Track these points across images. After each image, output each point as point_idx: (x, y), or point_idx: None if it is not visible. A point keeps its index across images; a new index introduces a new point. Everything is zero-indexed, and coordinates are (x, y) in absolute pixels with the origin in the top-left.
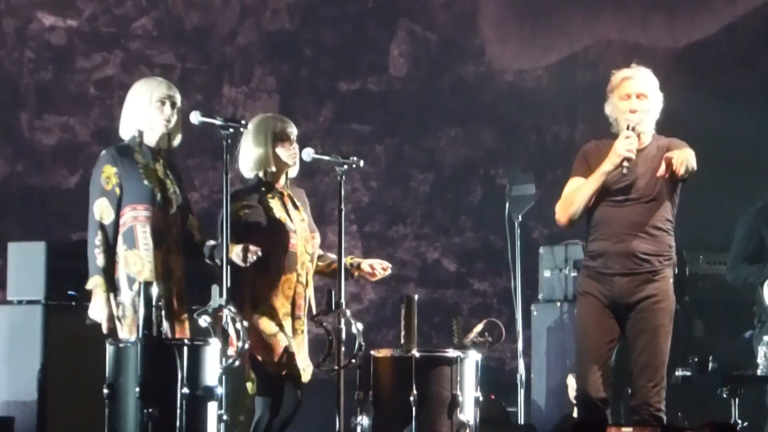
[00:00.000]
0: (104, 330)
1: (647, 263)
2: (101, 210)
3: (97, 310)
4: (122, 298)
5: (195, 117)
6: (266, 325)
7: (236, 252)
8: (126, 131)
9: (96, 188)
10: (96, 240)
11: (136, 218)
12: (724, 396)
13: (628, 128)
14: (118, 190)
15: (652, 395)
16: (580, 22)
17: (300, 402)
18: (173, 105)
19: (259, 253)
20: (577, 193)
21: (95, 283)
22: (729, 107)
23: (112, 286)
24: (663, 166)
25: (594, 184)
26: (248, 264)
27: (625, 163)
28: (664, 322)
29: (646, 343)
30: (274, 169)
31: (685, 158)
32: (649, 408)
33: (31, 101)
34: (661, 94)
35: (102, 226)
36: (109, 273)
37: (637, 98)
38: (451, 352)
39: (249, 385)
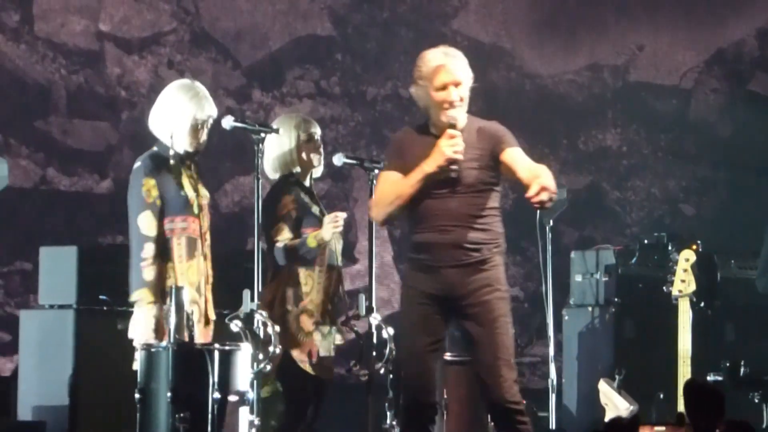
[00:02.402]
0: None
1: (477, 252)
2: (147, 223)
3: (139, 327)
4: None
5: (227, 122)
6: (305, 322)
7: (327, 220)
8: (157, 130)
9: (138, 201)
10: (142, 254)
11: (173, 230)
12: (756, 401)
13: (450, 126)
14: (159, 202)
15: (503, 389)
16: (611, 26)
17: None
18: (206, 128)
19: (345, 214)
20: (394, 193)
21: (140, 296)
22: (760, 112)
23: (161, 299)
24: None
25: (416, 186)
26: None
27: (453, 166)
28: (501, 313)
29: (489, 340)
30: (298, 169)
31: (548, 185)
32: (509, 404)
33: (62, 106)
34: (471, 73)
35: (149, 239)
36: (157, 286)
37: (455, 87)
38: None
39: (265, 388)
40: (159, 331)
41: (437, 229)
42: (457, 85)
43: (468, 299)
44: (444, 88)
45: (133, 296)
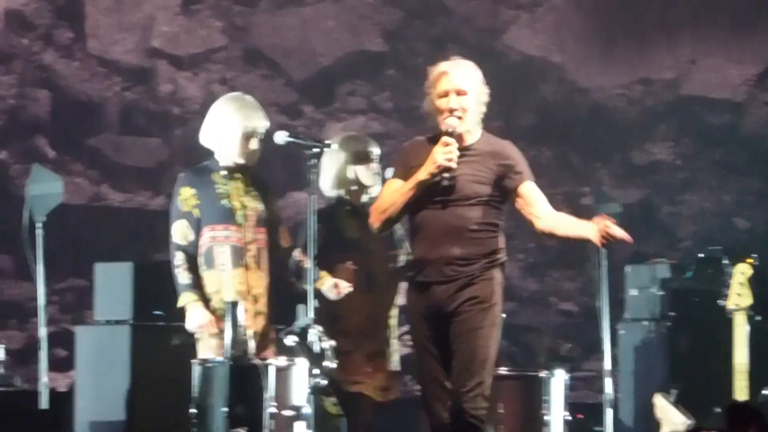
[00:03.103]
0: (207, 336)
1: (466, 268)
2: (179, 232)
3: (194, 320)
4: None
5: (280, 137)
6: (341, 343)
7: (328, 287)
8: (207, 143)
9: (174, 210)
10: (176, 261)
11: (215, 238)
12: None
13: (447, 134)
14: (196, 212)
15: (466, 400)
16: (662, 40)
17: (371, 422)
18: (257, 138)
19: (350, 289)
20: (389, 200)
21: (186, 299)
22: None
23: (203, 299)
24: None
25: (409, 194)
26: (338, 298)
27: (446, 174)
28: (482, 324)
29: (462, 347)
30: (355, 188)
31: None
32: (463, 414)
33: (114, 123)
34: (485, 87)
35: (181, 248)
36: (198, 287)
37: (456, 95)
38: (538, 372)
39: (327, 404)
40: (211, 324)
41: (428, 243)
42: (459, 93)
43: (454, 314)
44: (445, 95)
45: (180, 302)
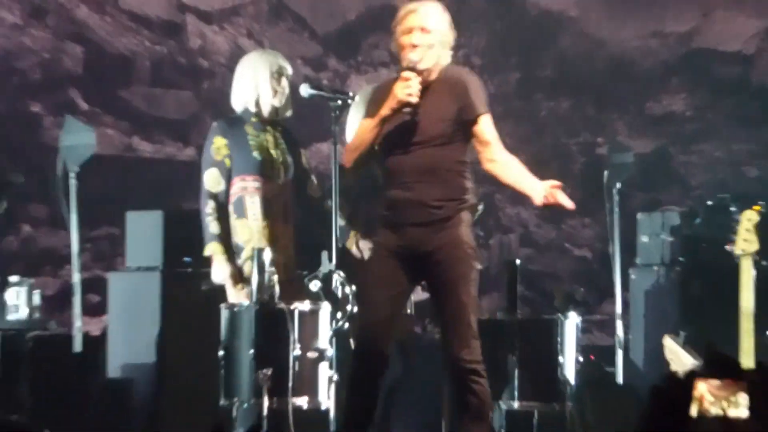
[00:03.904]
0: (231, 287)
1: (440, 210)
2: (211, 180)
3: (219, 273)
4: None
5: (304, 89)
6: None
7: (363, 247)
8: (237, 103)
9: (207, 159)
10: (207, 209)
11: (245, 189)
12: None
13: (408, 69)
14: (228, 161)
15: (461, 346)
16: None
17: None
18: (284, 77)
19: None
20: (359, 139)
21: (212, 249)
22: None
23: (229, 251)
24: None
25: (374, 131)
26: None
27: (406, 109)
28: (463, 272)
29: (448, 297)
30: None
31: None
32: (461, 362)
33: (145, 76)
34: (452, 29)
35: (212, 195)
36: (225, 238)
37: (420, 32)
38: (553, 316)
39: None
40: (235, 277)
41: (401, 185)
42: (423, 30)
43: (431, 257)
44: (409, 31)
45: (206, 251)
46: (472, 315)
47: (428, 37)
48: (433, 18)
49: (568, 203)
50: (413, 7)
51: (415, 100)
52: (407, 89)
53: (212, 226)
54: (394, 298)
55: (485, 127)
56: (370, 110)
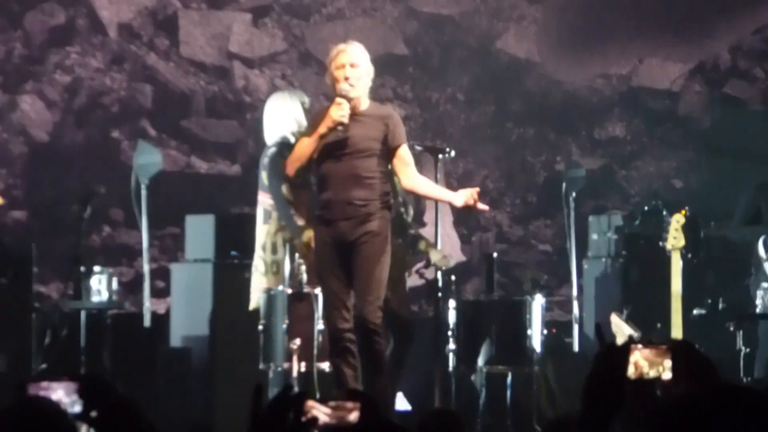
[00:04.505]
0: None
1: (363, 208)
2: (287, 192)
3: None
4: (278, 256)
5: None
6: None
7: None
8: (275, 133)
9: (279, 175)
10: (291, 211)
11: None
12: (731, 329)
13: (341, 96)
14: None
15: (367, 311)
16: (617, 44)
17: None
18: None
19: None
20: (300, 152)
21: (309, 235)
22: (733, 108)
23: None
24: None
25: (313, 145)
26: None
27: (339, 128)
28: (377, 254)
29: (363, 272)
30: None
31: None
32: (366, 322)
33: (201, 109)
34: (371, 65)
35: (291, 203)
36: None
37: (350, 67)
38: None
39: None
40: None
41: (333, 188)
42: (352, 65)
43: (354, 244)
44: (342, 67)
45: (305, 237)
46: (380, 291)
47: (356, 71)
48: (359, 55)
49: (484, 207)
50: (343, 48)
51: (346, 120)
52: (341, 112)
53: (299, 221)
54: (343, 282)
55: (405, 153)
56: (308, 130)
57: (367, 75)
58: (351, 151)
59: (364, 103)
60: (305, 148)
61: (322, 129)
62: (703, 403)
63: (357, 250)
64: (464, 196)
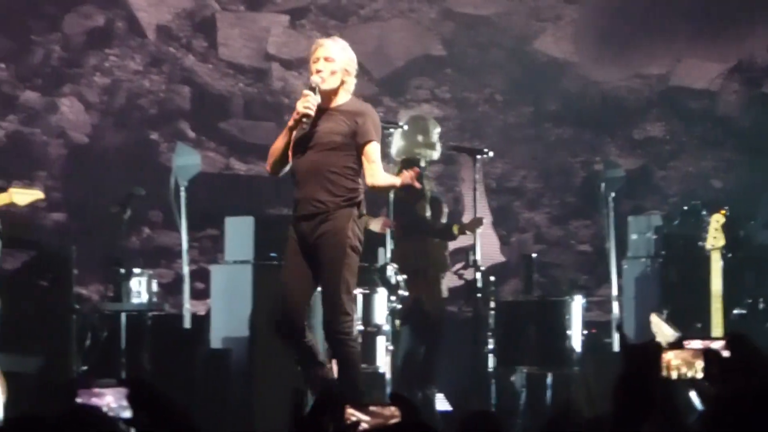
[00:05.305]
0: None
1: (323, 205)
2: None
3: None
4: None
5: None
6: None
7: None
8: None
9: None
10: None
11: None
12: None
13: (310, 88)
14: None
15: (332, 318)
16: (655, 44)
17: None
18: None
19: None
20: (273, 146)
21: (364, 220)
22: None
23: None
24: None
25: (282, 139)
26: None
27: (305, 119)
28: (336, 255)
29: (325, 278)
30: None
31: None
32: (333, 333)
33: (239, 111)
34: (352, 61)
35: None
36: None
37: (324, 60)
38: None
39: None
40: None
41: (298, 184)
42: (327, 59)
43: (315, 244)
44: (317, 60)
45: (372, 225)
46: (343, 294)
47: (331, 65)
48: (336, 50)
49: (417, 184)
50: (321, 42)
51: (311, 112)
52: (305, 103)
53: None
54: (301, 281)
55: (370, 151)
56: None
57: (344, 70)
58: (313, 145)
59: (342, 99)
60: (277, 142)
61: (290, 122)
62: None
63: (317, 252)
64: (400, 179)
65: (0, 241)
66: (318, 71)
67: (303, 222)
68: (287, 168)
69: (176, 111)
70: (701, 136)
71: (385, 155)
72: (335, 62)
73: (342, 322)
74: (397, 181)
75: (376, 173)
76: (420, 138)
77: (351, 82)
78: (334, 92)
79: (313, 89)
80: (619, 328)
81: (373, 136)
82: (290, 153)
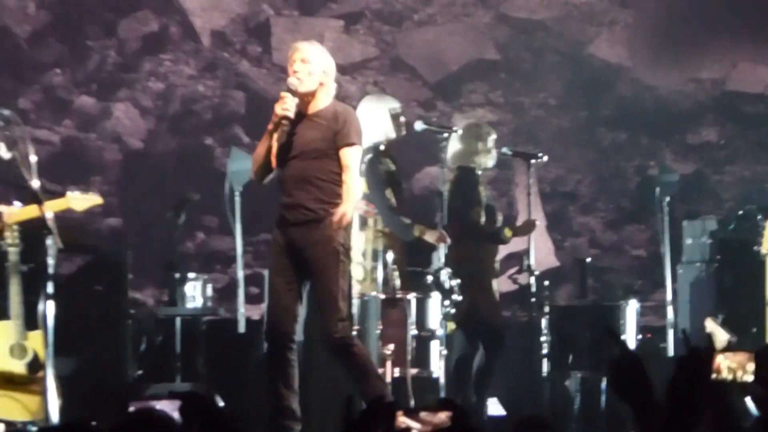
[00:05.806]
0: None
1: (312, 212)
2: (391, 196)
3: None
4: (378, 262)
5: (418, 125)
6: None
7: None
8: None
9: (380, 181)
10: (395, 215)
11: (368, 212)
12: None
13: (287, 90)
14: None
15: (330, 326)
16: (710, 48)
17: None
18: (402, 116)
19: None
20: (256, 152)
21: (420, 229)
22: None
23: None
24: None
25: (263, 145)
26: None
27: (284, 122)
28: (330, 263)
29: (317, 285)
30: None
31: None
32: (332, 337)
33: None
34: (329, 64)
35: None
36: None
37: (301, 62)
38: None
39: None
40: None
41: (285, 191)
42: (303, 61)
43: (306, 252)
44: (294, 62)
45: (416, 231)
46: (340, 301)
47: (307, 67)
48: (313, 53)
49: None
50: (298, 45)
51: (291, 115)
52: (284, 105)
53: (405, 220)
54: (289, 285)
55: (345, 155)
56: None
57: (323, 73)
58: (298, 154)
59: (322, 102)
60: (258, 147)
61: (269, 125)
62: None
63: (308, 260)
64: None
65: (56, 245)
66: (294, 72)
67: (292, 227)
68: (272, 175)
69: (231, 116)
70: (756, 141)
71: (439, 159)
72: (311, 63)
73: (341, 328)
74: (344, 217)
75: (347, 179)
76: (476, 145)
77: (331, 86)
78: (313, 95)
79: (290, 92)
80: (684, 332)
81: (353, 139)
82: (273, 160)
